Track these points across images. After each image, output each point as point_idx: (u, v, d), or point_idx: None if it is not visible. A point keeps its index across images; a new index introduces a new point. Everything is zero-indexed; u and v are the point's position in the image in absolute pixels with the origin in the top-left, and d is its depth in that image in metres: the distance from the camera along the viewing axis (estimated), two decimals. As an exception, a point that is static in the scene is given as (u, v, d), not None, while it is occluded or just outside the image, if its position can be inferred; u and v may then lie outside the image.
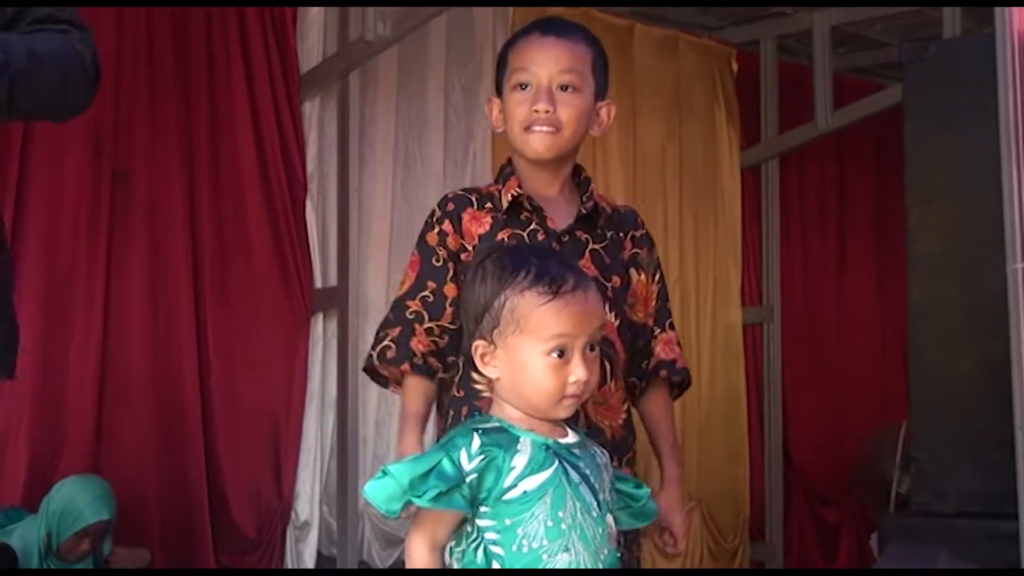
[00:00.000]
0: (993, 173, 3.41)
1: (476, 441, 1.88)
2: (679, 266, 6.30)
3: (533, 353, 1.91)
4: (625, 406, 2.37)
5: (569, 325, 1.91)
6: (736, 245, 6.59)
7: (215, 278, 4.94)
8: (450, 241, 2.38)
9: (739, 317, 6.54)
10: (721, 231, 6.53)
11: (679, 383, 2.47)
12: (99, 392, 4.65)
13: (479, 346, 1.96)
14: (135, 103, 4.81)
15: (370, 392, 5.12)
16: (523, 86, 2.39)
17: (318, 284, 5.16)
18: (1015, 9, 3.45)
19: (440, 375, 2.35)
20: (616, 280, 2.38)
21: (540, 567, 1.87)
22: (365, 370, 2.44)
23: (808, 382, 6.80)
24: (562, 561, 1.88)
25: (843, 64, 6.62)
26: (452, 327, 2.32)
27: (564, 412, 1.95)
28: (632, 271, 2.43)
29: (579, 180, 2.48)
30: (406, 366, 2.31)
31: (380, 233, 5.39)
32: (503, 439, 1.90)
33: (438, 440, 2.22)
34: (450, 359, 2.35)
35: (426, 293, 2.35)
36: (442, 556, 1.93)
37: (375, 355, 2.36)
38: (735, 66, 6.68)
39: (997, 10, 3.48)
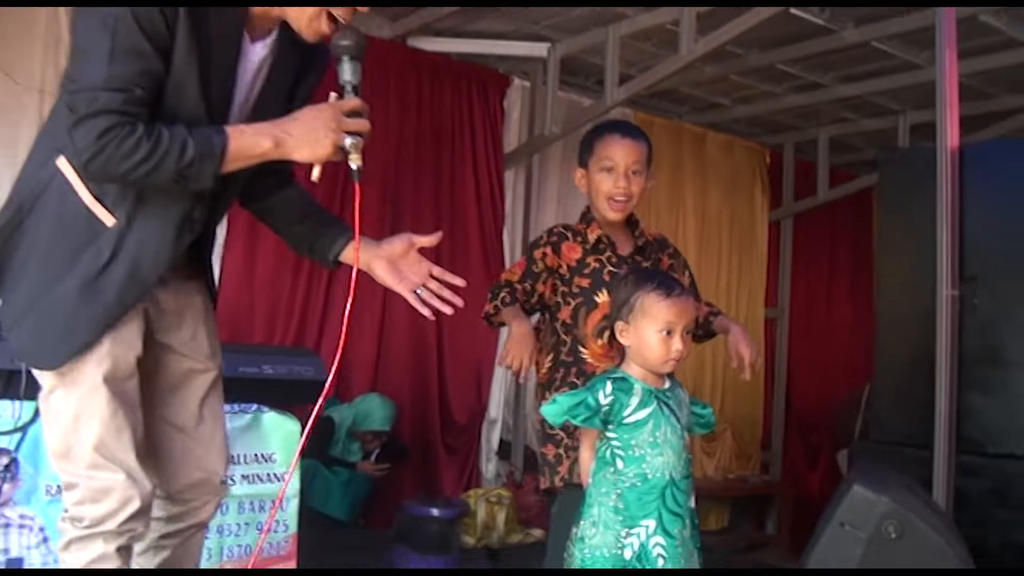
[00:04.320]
0: (933, 239, 3.40)
1: (608, 386, 1.87)
2: (727, 282, 6.13)
3: (651, 331, 1.89)
4: None
5: (673, 315, 1.89)
6: (763, 270, 6.37)
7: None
8: (549, 260, 2.30)
9: (762, 315, 6.36)
10: (754, 261, 6.32)
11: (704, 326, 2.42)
12: (378, 342, 4.65)
13: (620, 326, 1.93)
14: (407, 167, 4.80)
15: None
16: (608, 170, 2.31)
17: (506, 284, 5.17)
18: (950, 127, 3.26)
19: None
20: None
21: (645, 463, 1.84)
22: (485, 317, 2.30)
23: (805, 358, 6.53)
24: (658, 461, 1.85)
25: (836, 160, 6.43)
26: (533, 310, 2.32)
27: (667, 369, 1.92)
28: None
29: (630, 219, 2.41)
30: (517, 307, 2.26)
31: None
32: (624, 385, 1.89)
33: (539, 382, 2.31)
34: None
35: (527, 284, 2.29)
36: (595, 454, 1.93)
37: (493, 305, 2.27)
38: (768, 159, 6.49)
39: (938, 127, 3.31)
